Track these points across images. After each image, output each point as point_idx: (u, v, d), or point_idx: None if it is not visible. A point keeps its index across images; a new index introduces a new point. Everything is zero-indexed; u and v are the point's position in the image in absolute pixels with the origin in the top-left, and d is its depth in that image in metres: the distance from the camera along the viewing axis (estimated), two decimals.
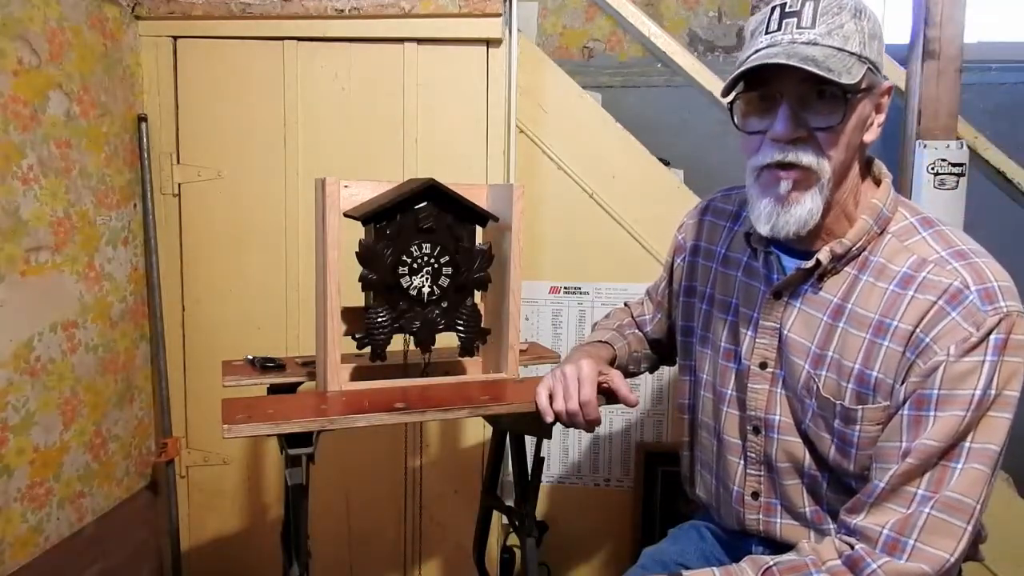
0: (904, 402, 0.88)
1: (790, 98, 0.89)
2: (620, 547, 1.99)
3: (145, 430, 1.92)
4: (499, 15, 1.74)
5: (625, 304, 1.39)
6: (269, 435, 1.05)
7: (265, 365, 1.36)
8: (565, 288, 1.97)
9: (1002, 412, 0.85)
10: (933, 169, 1.62)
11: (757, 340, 1.04)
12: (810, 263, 0.97)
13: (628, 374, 1.31)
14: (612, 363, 1.21)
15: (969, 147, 1.66)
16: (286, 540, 1.33)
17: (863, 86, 0.88)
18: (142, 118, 1.83)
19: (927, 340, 0.87)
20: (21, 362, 1.49)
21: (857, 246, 0.95)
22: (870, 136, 0.94)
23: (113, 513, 1.78)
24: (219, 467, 1.97)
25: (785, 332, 1.00)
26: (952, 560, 0.84)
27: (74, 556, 1.65)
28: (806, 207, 0.91)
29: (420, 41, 1.80)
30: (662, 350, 1.33)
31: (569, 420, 1.08)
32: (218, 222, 1.88)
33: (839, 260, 0.96)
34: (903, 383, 0.89)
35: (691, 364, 1.19)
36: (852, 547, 0.88)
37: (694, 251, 1.19)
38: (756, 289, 1.05)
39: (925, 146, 1.62)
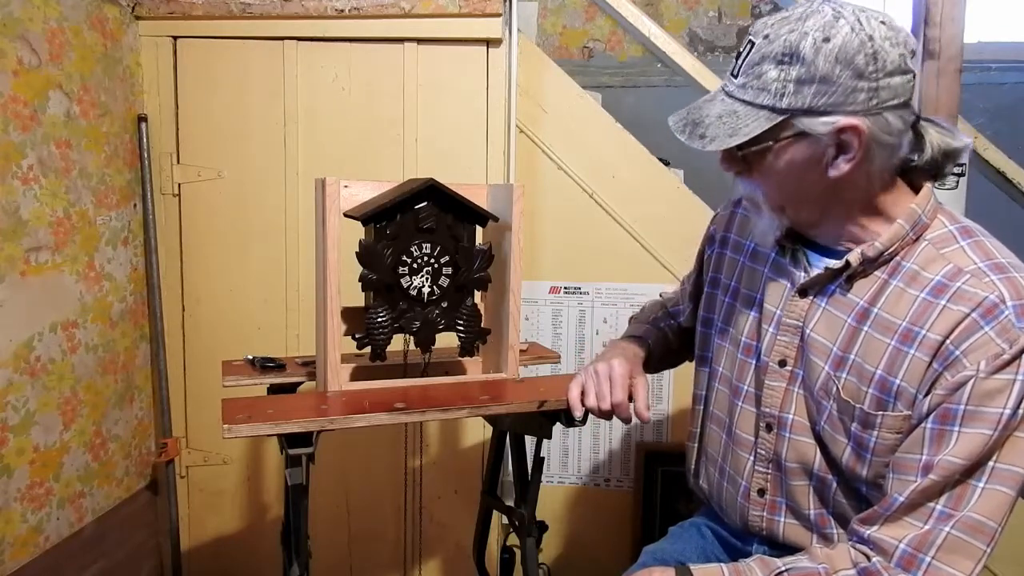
0: (928, 414, 0.86)
1: None
2: (620, 547, 1.99)
3: (145, 430, 1.92)
4: (499, 15, 1.74)
5: (660, 295, 1.40)
6: (269, 435, 1.05)
7: (265, 365, 1.36)
8: (565, 288, 1.97)
9: None
10: None
11: (778, 337, 1.03)
12: (839, 264, 0.95)
13: (666, 366, 1.35)
14: (647, 359, 1.22)
15: None
16: (286, 540, 1.33)
17: (780, 136, 0.88)
18: (142, 118, 1.83)
19: (956, 352, 0.85)
20: (21, 362, 1.49)
21: (890, 250, 0.93)
22: (835, 172, 0.90)
23: (113, 513, 1.78)
24: (219, 467, 1.97)
25: (808, 331, 0.99)
26: None
27: (74, 556, 1.65)
28: (763, 223, 0.99)
29: (420, 41, 1.80)
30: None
31: (600, 415, 1.11)
32: (218, 222, 1.88)
33: (870, 263, 0.94)
34: (927, 394, 0.87)
35: (708, 356, 1.18)
36: (868, 558, 0.87)
37: (723, 243, 1.18)
38: (782, 286, 1.04)
39: None
